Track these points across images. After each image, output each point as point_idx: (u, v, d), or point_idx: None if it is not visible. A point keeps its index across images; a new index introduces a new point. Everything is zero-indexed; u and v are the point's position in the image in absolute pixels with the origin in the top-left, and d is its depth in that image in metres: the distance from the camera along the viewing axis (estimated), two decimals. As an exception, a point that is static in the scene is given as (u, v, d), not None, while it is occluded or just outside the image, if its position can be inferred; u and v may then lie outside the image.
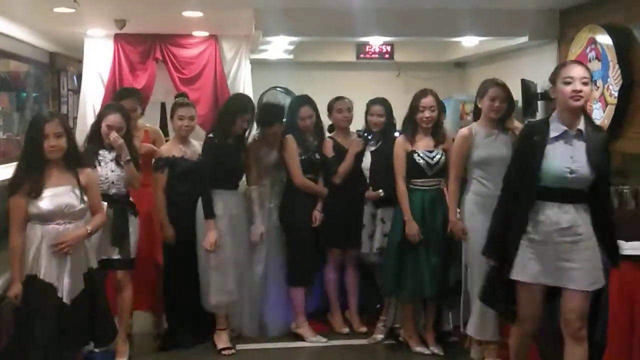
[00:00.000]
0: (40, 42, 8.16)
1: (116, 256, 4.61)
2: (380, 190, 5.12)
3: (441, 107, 5.07)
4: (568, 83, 3.54)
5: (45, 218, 3.70)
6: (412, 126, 4.95)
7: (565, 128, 3.56)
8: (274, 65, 9.24)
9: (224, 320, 5.11)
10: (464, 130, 4.74)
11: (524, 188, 3.64)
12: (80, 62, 8.20)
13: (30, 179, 3.68)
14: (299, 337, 5.33)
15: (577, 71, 3.60)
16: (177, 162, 5.07)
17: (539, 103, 6.88)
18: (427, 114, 4.82)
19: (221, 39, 7.87)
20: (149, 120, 7.54)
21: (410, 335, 5.08)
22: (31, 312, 3.65)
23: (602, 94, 5.71)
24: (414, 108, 4.91)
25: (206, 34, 7.79)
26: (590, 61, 5.85)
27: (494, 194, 4.14)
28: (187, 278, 5.02)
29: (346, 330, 5.55)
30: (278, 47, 8.53)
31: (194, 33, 7.76)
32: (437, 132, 4.95)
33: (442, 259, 4.83)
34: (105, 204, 4.37)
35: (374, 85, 8.09)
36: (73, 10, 6.08)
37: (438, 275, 4.80)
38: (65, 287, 3.73)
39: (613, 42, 5.66)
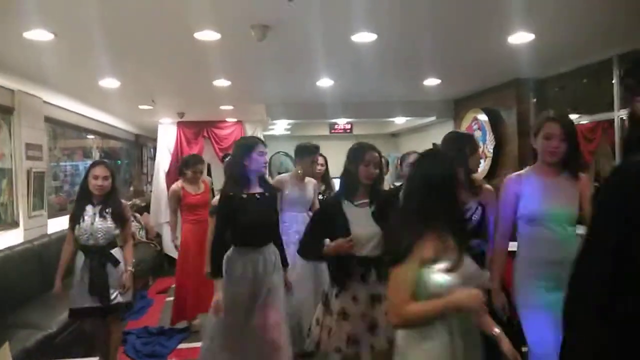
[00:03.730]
0: (129, 127, 8.26)
1: (97, 304, 3.31)
2: None
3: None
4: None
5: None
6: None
7: None
8: (279, 138, 9.28)
9: None
10: (511, 176, 2.57)
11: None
12: (155, 140, 8.27)
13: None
14: None
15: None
16: None
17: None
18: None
19: (245, 122, 7.94)
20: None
21: None
22: None
23: (483, 151, 5.78)
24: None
25: (235, 119, 7.86)
26: (474, 131, 5.99)
27: (548, 259, 2.27)
28: None
29: None
30: (281, 126, 8.55)
31: (227, 119, 7.84)
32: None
33: None
34: (82, 255, 3.36)
35: (340, 150, 8.22)
36: (151, 107, 6.20)
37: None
38: None
39: (488, 118, 5.82)
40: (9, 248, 4.19)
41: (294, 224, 3.82)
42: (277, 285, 3.12)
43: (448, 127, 6.97)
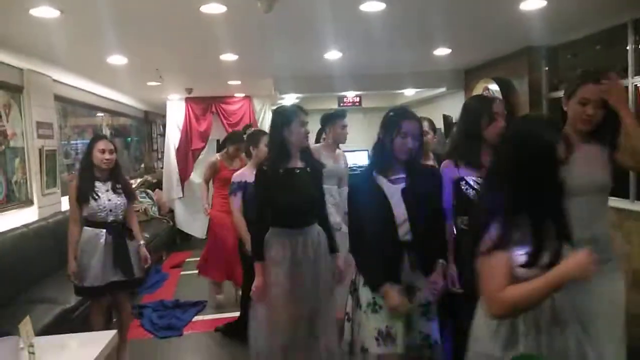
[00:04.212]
0: (138, 104, 8.27)
1: (121, 278, 3.33)
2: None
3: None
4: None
5: None
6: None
7: None
8: (287, 113, 9.22)
9: None
10: None
11: None
12: (163, 116, 8.26)
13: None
14: None
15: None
16: (249, 186, 3.44)
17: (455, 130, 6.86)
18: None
19: (253, 97, 7.90)
20: (209, 151, 7.63)
21: None
22: None
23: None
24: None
25: (243, 94, 7.82)
26: (485, 101, 5.92)
27: (580, 237, 1.68)
28: None
29: None
30: (289, 100, 8.45)
31: (236, 94, 7.80)
32: None
33: None
34: (104, 230, 3.30)
35: (350, 123, 8.21)
36: (159, 83, 6.17)
37: None
38: None
39: (499, 87, 5.74)
40: (25, 225, 4.26)
41: (328, 197, 3.35)
42: (323, 271, 2.75)
43: (458, 99, 6.88)
